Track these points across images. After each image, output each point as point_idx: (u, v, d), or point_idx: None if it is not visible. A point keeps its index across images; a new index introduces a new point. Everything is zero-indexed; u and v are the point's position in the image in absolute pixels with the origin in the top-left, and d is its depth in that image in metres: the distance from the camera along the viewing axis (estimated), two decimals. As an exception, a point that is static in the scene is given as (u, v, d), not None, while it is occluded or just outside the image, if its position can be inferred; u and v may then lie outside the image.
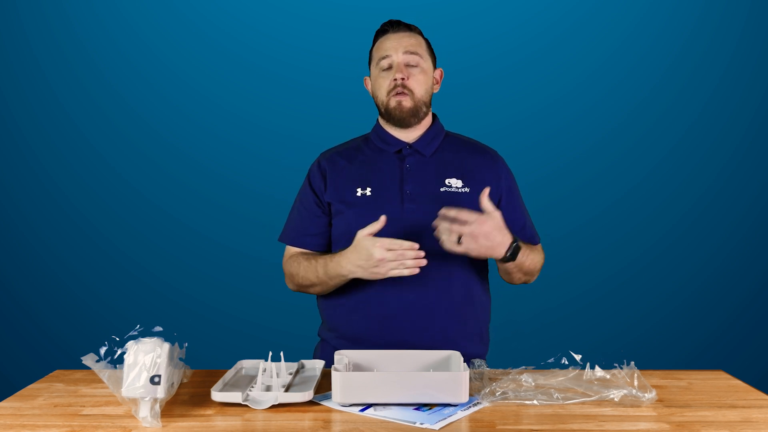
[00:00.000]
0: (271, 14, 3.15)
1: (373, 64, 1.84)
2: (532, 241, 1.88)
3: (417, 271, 1.60)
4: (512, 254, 1.65)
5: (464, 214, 1.58)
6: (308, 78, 3.14)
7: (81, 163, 3.15)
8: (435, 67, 1.87)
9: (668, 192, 3.15)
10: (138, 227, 3.15)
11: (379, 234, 1.72)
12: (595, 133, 3.14)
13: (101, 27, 3.13)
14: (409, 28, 1.84)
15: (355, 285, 1.75)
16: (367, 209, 1.76)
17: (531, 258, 1.77)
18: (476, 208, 1.75)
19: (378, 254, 1.58)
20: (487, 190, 1.62)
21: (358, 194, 1.78)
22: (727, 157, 3.15)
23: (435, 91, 1.87)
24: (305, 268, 1.79)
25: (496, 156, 1.89)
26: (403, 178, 1.79)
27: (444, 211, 1.60)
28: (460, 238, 1.59)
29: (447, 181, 1.79)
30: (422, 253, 1.59)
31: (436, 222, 1.61)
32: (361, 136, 1.93)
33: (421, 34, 1.86)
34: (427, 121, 1.86)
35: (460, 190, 1.78)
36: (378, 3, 3.01)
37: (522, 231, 1.85)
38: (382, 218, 1.62)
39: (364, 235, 1.62)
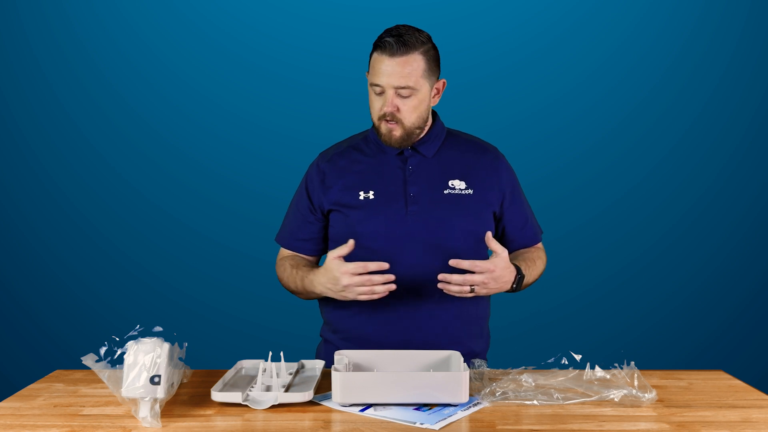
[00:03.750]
0: (271, 14, 3.15)
1: (369, 75, 1.76)
2: (533, 240, 1.88)
3: (387, 293, 1.60)
4: (518, 285, 1.68)
5: (476, 265, 1.57)
6: (308, 78, 3.14)
7: (81, 163, 3.15)
8: (438, 78, 1.78)
9: (668, 192, 3.15)
10: (138, 227, 3.15)
11: (383, 233, 1.72)
12: (595, 133, 3.14)
13: (101, 27, 3.12)
14: (407, 48, 1.69)
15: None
16: (370, 212, 1.76)
17: (533, 274, 1.79)
18: (479, 208, 1.77)
19: (344, 281, 1.59)
20: (490, 234, 1.62)
21: (361, 197, 1.78)
22: (727, 157, 3.15)
23: (434, 104, 1.81)
24: (288, 276, 1.81)
25: (496, 154, 1.87)
26: (406, 180, 1.78)
27: (455, 263, 1.58)
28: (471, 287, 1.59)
29: (450, 182, 1.79)
30: (392, 277, 1.59)
31: (442, 277, 1.58)
32: (360, 133, 1.91)
33: (422, 49, 1.71)
34: (427, 123, 1.84)
35: (463, 192, 1.78)
36: (378, 3, 3.01)
37: (524, 228, 1.86)
38: (350, 242, 1.61)
39: (332, 258, 1.62)
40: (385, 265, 1.59)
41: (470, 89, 3.01)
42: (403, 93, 1.70)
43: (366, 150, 1.85)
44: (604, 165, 3.14)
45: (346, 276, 1.58)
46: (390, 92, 1.70)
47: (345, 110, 2.90)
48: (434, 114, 1.87)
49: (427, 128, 1.83)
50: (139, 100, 3.14)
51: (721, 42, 3.12)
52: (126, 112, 3.15)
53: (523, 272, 1.69)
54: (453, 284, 1.58)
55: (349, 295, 1.61)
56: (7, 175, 3.15)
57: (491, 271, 1.58)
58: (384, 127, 1.75)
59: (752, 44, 3.11)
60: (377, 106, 1.75)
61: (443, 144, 1.84)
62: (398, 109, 1.71)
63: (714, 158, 3.15)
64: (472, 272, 1.58)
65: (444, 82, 1.80)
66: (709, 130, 3.14)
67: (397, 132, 1.74)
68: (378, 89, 1.72)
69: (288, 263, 1.83)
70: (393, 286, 1.60)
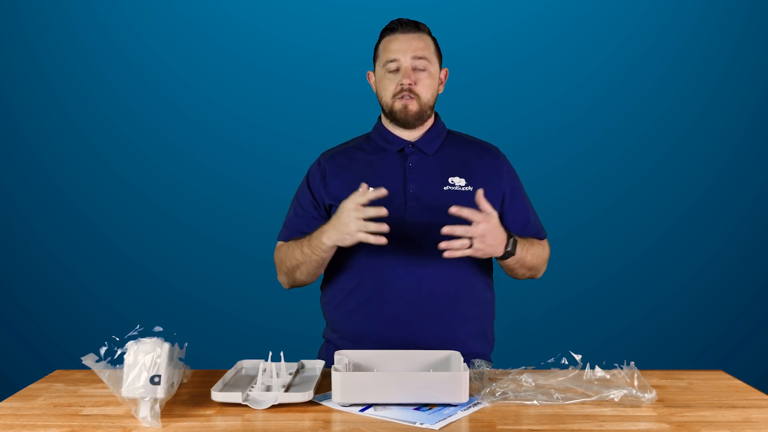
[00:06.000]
0: (271, 14, 3.15)
1: (379, 63, 1.82)
2: (538, 236, 1.88)
3: (383, 240, 1.55)
4: (512, 249, 1.66)
5: (474, 214, 1.56)
6: (308, 78, 3.14)
7: (81, 163, 3.15)
8: (441, 68, 1.85)
9: (668, 192, 3.15)
10: (138, 227, 3.15)
11: (386, 233, 1.71)
12: (595, 133, 3.14)
13: (101, 27, 3.13)
14: (418, 27, 1.81)
15: (358, 284, 1.75)
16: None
17: (532, 252, 1.77)
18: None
19: (346, 205, 1.57)
20: (481, 191, 1.59)
21: (361, 194, 1.78)
22: (727, 157, 3.15)
23: (439, 92, 1.85)
24: (291, 248, 1.78)
25: (497, 153, 1.88)
26: (406, 177, 1.78)
27: (456, 210, 1.55)
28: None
29: (450, 179, 1.79)
30: (384, 227, 1.55)
31: (447, 229, 1.55)
32: (362, 135, 1.93)
33: (429, 33, 1.83)
34: (430, 120, 1.85)
35: (463, 189, 1.78)
36: (379, 3, 3.01)
37: (526, 227, 1.85)
38: (364, 186, 1.57)
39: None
40: (383, 191, 1.56)
41: (470, 89, 3.01)
42: (419, 65, 1.76)
43: (367, 148, 1.86)
44: (604, 165, 3.15)
45: (349, 202, 1.56)
46: (407, 64, 1.76)
47: (345, 110, 2.90)
48: (436, 114, 1.88)
49: (429, 125, 1.84)
50: (139, 100, 3.14)
51: (721, 42, 3.12)
52: (126, 112, 3.15)
53: (516, 238, 1.68)
54: (456, 236, 1.55)
55: (349, 228, 1.57)
56: (7, 175, 3.15)
57: (486, 222, 1.57)
58: (399, 103, 1.77)
59: (752, 44, 3.11)
60: (392, 84, 1.78)
61: (444, 142, 1.85)
62: (415, 83, 1.75)
63: (714, 158, 3.15)
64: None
65: (446, 72, 1.87)
66: (709, 130, 3.14)
67: (414, 106, 1.77)
68: (394, 65, 1.77)
69: (286, 243, 1.82)
70: (385, 226, 1.56)
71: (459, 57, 2.96)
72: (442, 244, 1.56)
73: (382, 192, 1.57)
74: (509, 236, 1.66)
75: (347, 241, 1.60)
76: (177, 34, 3.14)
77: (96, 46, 3.13)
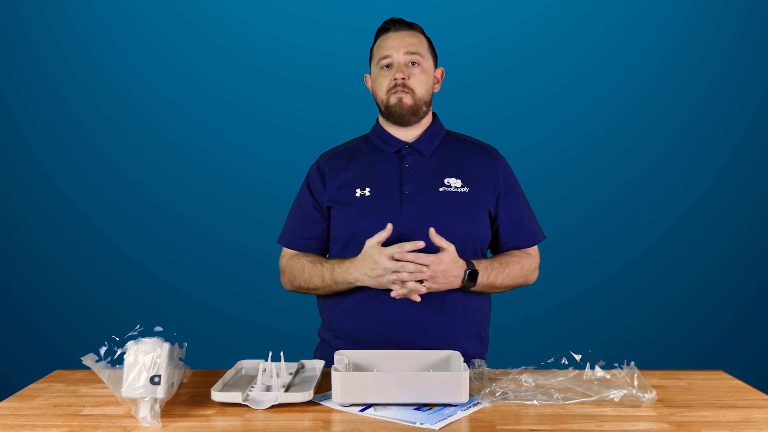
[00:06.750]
0: (271, 14, 3.15)
1: (374, 62, 1.84)
2: (527, 242, 1.87)
3: (417, 297, 1.63)
4: (470, 279, 1.69)
5: (422, 258, 1.61)
6: (308, 78, 3.14)
7: (81, 163, 3.15)
8: (436, 67, 1.87)
9: (668, 192, 3.15)
10: (138, 227, 3.15)
11: (377, 230, 1.71)
12: (595, 133, 3.14)
13: (101, 27, 3.13)
14: (411, 26, 1.84)
15: (356, 286, 1.75)
16: (366, 210, 1.76)
17: (505, 274, 1.77)
18: (475, 208, 1.77)
19: (384, 263, 1.62)
20: (433, 230, 1.63)
21: (357, 195, 1.78)
22: (727, 157, 3.15)
23: (435, 91, 1.86)
24: (310, 271, 1.79)
25: (495, 154, 1.88)
26: (402, 178, 1.78)
27: (413, 257, 1.61)
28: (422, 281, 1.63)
29: (446, 180, 1.79)
30: (422, 268, 1.61)
31: (395, 276, 1.62)
32: (360, 136, 1.93)
33: (422, 32, 1.86)
34: (427, 120, 1.86)
35: (459, 190, 1.78)
36: (378, 3, 3.01)
37: (519, 230, 1.85)
38: (389, 226, 1.64)
39: (372, 243, 1.64)
40: (420, 244, 1.62)
41: (470, 89, 3.01)
42: (412, 60, 1.78)
43: (365, 149, 1.87)
44: (604, 165, 3.15)
45: (384, 258, 1.61)
46: (400, 59, 1.78)
47: (345, 110, 2.91)
48: (434, 114, 1.88)
49: (426, 125, 1.84)
50: (139, 100, 3.14)
51: (721, 42, 3.12)
52: (126, 112, 3.15)
53: (476, 267, 1.69)
54: (406, 278, 1.62)
55: (384, 280, 1.63)
56: (7, 175, 3.15)
57: (437, 264, 1.61)
58: (394, 98, 1.78)
59: (752, 44, 3.11)
60: (387, 80, 1.79)
61: (441, 143, 1.85)
62: (408, 77, 1.77)
63: (714, 158, 3.15)
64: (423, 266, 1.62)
65: (442, 71, 1.89)
66: (709, 130, 3.15)
67: (408, 100, 1.78)
68: (387, 61, 1.79)
69: (305, 260, 1.82)
70: (423, 289, 1.63)
71: (458, 57, 2.97)
72: (392, 294, 1.64)
73: (420, 244, 1.62)
74: (467, 268, 1.68)
75: (383, 287, 1.67)
76: (177, 34, 3.14)
77: (96, 46, 3.13)
